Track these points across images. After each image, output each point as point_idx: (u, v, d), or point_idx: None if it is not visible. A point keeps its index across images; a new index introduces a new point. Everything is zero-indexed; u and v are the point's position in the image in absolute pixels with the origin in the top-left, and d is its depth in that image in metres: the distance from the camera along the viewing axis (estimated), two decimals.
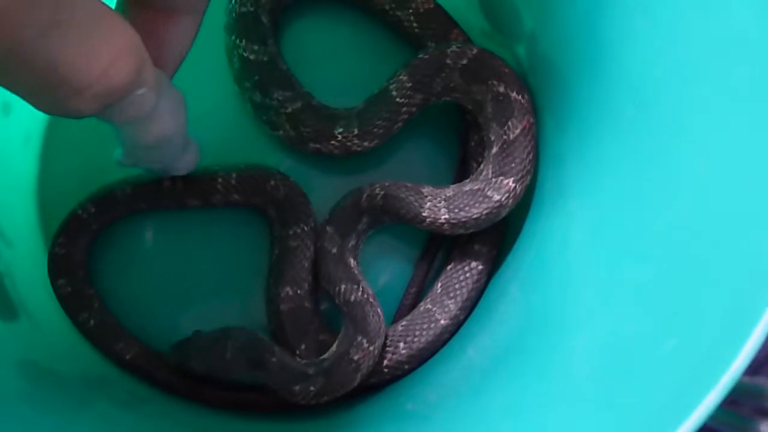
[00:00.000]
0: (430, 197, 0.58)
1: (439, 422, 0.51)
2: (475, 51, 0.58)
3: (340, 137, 0.59)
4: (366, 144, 0.60)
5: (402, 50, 0.64)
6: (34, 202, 0.62)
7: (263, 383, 0.54)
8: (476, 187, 0.57)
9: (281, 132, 0.61)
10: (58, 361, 0.54)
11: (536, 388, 0.46)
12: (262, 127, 0.62)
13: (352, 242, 0.59)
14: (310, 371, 0.54)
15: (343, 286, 0.56)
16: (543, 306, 0.50)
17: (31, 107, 0.34)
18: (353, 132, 0.59)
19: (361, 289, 0.56)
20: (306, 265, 0.59)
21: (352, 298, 0.56)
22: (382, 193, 0.58)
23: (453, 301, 0.59)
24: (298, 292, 0.58)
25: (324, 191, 0.62)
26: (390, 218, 0.59)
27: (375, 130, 0.59)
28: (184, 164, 0.52)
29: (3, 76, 0.31)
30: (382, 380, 0.58)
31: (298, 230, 0.59)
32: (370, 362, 0.55)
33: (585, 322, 0.45)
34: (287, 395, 0.54)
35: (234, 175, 0.60)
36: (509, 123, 0.57)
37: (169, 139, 0.45)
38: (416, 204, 0.58)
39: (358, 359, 0.54)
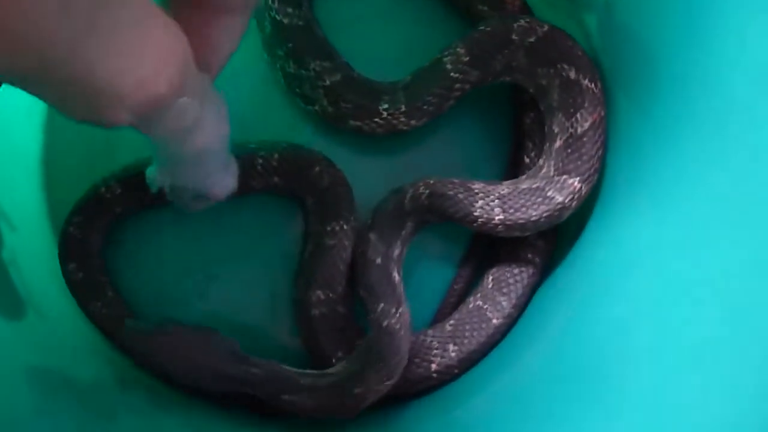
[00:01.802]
0: (482, 194, 0.50)
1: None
2: (545, 28, 0.50)
3: (385, 114, 0.51)
4: (413, 122, 0.52)
5: (447, 16, 0.56)
6: (39, 180, 0.54)
7: (246, 388, 0.47)
8: (535, 185, 0.50)
9: (317, 107, 0.53)
10: (72, 365, 0.47)
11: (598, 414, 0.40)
12: (294, 99, 0.55)
13: (396, 251, 0.51)
14: (303, 381, 0.47)
15: (381, 305, 0.48)
16: (615, 322, 0.44)
17: None
18: (400, 108, 0.51)
19: (398, 314, 0.48)
20: (342, 268, 0.51)
21: (386, 323, 0.48)
22: (428, 191, 0.50)
23: (506, 298, 0.52)
24: (331, 295, 0.50)
25: (359, 174, 0.54)
26: (436, 218, 0.52)
27: (425, 107, 0.52)
28: (224, 186, 0.45)
29: (33, 85, 0.27)
30: (430, 386, 0.51)
31: (338, 227, 0.51)
32: (373, 398, 0.48)
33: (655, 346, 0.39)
34: (273, 402, 0.47)
35: (276, 155, 0.52)
36: (578, 115, 0.49)
37: (213, 153, 0.39)
38: (467, 202, 0.50)
39: (360, 393, 0.47)
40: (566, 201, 0.49)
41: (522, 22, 0.51)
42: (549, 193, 0.49)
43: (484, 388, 0.50)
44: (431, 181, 0.51)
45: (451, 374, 0.51)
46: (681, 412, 0.36)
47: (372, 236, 0.50)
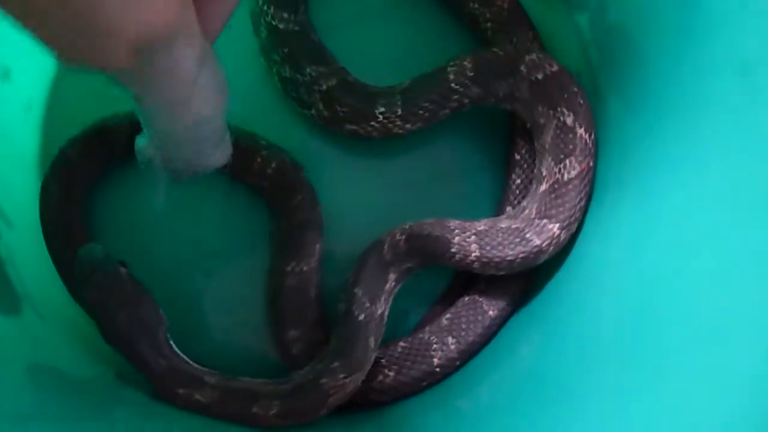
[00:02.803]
0: (458, 231, 0.50)
1: (491, 423, 0.45)
2: (555, 68, 0.50)
3: (381, 117, 0.51)
4: (408, 126, 0.52)
5: (442, 17, 0.57)
6: (37, 178, 0.53)
7: (143, 369, 0.46)
8: (515, 226, 0.49)
9: (313, 111, 0.53)
10: (69, 362, 0.46)
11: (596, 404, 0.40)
12: (289, 103, 0.54)
13: (380, 309, 0.49)
14: (208, 379, 0.46)
15: (342, 362, 0.47)
16: (616, 313, 0.43)
17: (32, 72, 0.29)
18: (396, 112, 0.51)
19: (350, 379, 0.47)
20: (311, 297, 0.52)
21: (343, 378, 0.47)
22: (404, 236, 0.50)
23: (502, 291, 0.52)
24: (305, 269, 0.51)
25: (354, 177, 0.55)
26: (417, 261, 0.51)
27: (420, 111, 0.51)
28: (214, 161, 0.44)
29: (37, 20, 0.26)
30: (435, 381, 0.51)
31: (300, 266, 0.52)
32: (340, 396, 0.47)
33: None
34: (163, 394, 0.46)
35: (274, 164, 0.53)
36: (567, 161, 0.49)
37: (208, 123, 0.38)
38: (444, 239, 0.49)
39: (325, 389, 0.46)
40: (543, 245, 0.48)
41: (534, 56, 0.50)
42: (527, 235, 0.49)
43: (485, 378, 0.50)
44: (407, 226, 0.51)
45: (453, 366, 0.51)
46: (675, 399, 0.36)
47: (357, 291, 0.49)
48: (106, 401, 0.44)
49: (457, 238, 0.49)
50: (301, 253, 0.51)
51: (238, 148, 0.48)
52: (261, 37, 0.54)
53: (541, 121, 0.50)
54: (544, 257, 0.49)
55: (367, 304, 0.48)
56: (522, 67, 0.50)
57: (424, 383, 0.50)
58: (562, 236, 0.48)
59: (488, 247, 0.49)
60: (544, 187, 0.49)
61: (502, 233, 0.49)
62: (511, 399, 0.46)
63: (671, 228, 0.42)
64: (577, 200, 0.48)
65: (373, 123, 0.52)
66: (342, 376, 0.46)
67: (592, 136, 0.49)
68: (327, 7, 0.57)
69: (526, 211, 0.50)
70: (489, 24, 0.55)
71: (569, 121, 0.49)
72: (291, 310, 0.50)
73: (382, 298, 0.49)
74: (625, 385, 0.39)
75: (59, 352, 0.46)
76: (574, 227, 0.49)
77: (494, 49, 0.51)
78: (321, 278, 0.53)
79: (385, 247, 0.50)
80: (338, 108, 0.52)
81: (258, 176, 0.52)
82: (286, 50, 0.52)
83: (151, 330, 0.46)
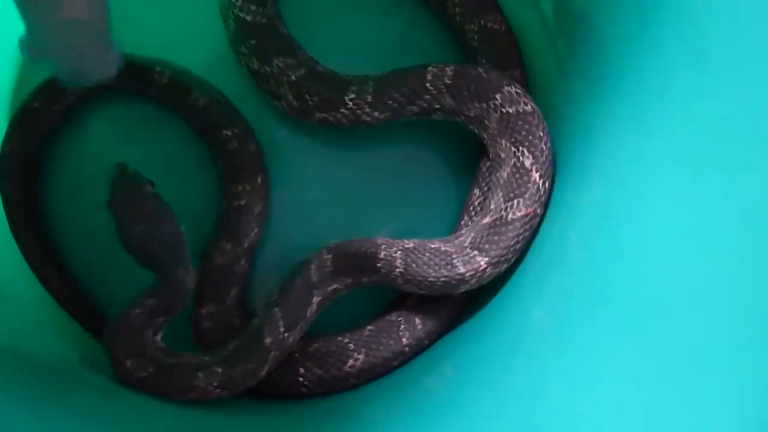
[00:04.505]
0: (385, 245, 0.49)
1: (456, 398, 0.47)
2: (528, 107, 0.49)
3: (350, 104, 0.50)
4: (377, 114, 0.51)
5: (415, 6, 0.56)
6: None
7: (149, 265, 0.47)
8: (444, 248, 0.48)
9: (283, 102, 0.52)
10: (33, 344, 0.47)
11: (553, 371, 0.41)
12: (260, 94, 0.54)
13: (292, 338, 0.48)
14: (156, 353, 0.47)
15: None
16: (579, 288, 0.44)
17: None
18: (366, 99, 0.50)
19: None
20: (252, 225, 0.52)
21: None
22: (331, 255, 0.49)
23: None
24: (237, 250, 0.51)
25: (328, 167, 0.55)
26: (345, 282, 0.50)
27: (390, 102, 0.50)
28: (101, 69, 0.41)
29: None
30: (405, 360, 0.51)
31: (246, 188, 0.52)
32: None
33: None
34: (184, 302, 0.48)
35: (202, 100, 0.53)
36: (515, 201, 0.48)
37: (82, 27, 0.37)
38: (370, 253, 0.48)
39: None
40: (467, 275, 0.47)
41: (513, 89, 0.49)
42: (454, 261, 0.48)
43: (451, 356, 0.50)
44: (333, 245, 0.50)
45: (422, 345, 0.51)
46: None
47: (277, 312, 0.48)
48: (69, 384, 0.45)
49: (383, 253, 0.48)
50: (237, 234, 0.51)
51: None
52: (229, 30, 0.53)
53: (502, 155, 0.49)
54: (464, 287, 0.48)
55: (281, 330, 0.47)
56: (497, 96, 0.49)
57: (395, 363, 0.51)
58: (488, 272, 0.48)
59: (414, 265, 0.48)
60: (486, 220, 0.49)
61: (430, 253, 0.48)
62: (476, 374, 0.48)
63: (632, 209, 0.42)
64: (513, 242, 0.47)
65: (342, 110, 0.51)
66: (216, 388, 0.46)
67: (546, 184, 0.48)
68: (296, 5, 0.56)
69: (461, 238, 0.49)
70: (457, 9, 0.54)
71: (527, 163, 0.48)
72: (212, 287, 0.51)
73: (299, 326, 0.48)
74: (594, 347, 0.40)
75: (23, 334, 0.47)
76: (502, 267, 0.48)
77: (480, 68, 0.50)
78: (253, 262, 0.53)
79: (312, 268, 0.49)
80: (308, 97, 0.51)
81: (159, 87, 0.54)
82: (253, 42, 0.52)
83: (172, 243, 0.47)
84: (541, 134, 0.49)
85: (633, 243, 0.41)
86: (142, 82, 0.54)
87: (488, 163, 0.53)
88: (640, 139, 0.42)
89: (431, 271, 0.48)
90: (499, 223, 0.48)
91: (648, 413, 0.35)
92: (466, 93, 0.49)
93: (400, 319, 0.51)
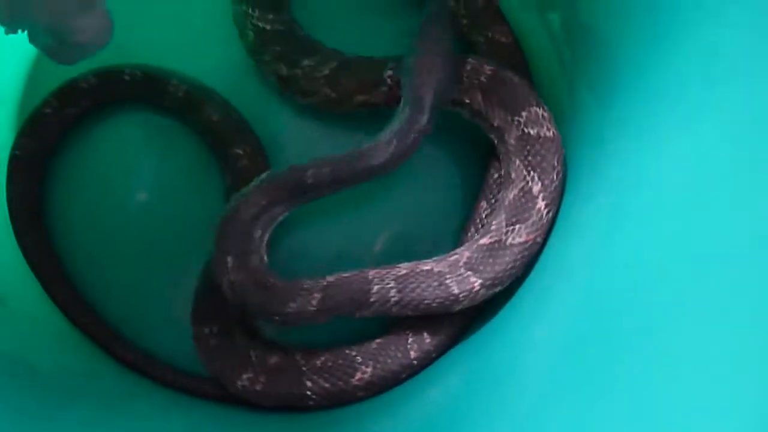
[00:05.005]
0: (377, 279, 0.47)
1: (463, 411, 0.46)
2: (550, 133, 0.48)
3: (389, 81, 0.50)
4: None
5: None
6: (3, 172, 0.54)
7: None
8: (437, 270, 0.47)
9: (316, 98, 0.53)
10: (36, 353, 0.47)
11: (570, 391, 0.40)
12: (273, 106, 0.55)
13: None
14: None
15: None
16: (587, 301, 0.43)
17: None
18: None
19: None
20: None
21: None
22: (320, 296, 0.47)
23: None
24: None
25: None
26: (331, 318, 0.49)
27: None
28: (84, 29, 0.38)
29: None
30: (413, 373, 0.51)
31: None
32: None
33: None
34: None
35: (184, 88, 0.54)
36: (517, 227, 0.47)
37: None
38: (362, 289, 0.47)
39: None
40: (460, 296, 0.47)
41: (540, 110, 0.49)
42: (447, 282, 0.47)
43: (458, 369, 0.49)
44: (325, 283, 0.48)
45: (430, 358, 0.51)
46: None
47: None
48: (70, 392, 0.44)
49: (376, 287, 0.47)
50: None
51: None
52: (248, 40, 0.54)
53: (513, 175, 0.49)
54: (458, 307, 0.47)
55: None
56: (523, 113, 0.48)
57: (404, 375, 0.50)
58: (481, 293, 0.47)
59: (407, 290, 0.47)
60: (485, 240, 0.48)
61: (423, 276, 0.47)
62: (483, 387, 0.47)
63: (641, 220, 0.41)
64: (509, 266, 0.47)
65: (382, 88, 0.51)
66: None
67: (550, 213, 0.48)
68: (309, 6, 0.57)
69: (456, 257, 0.48)
70: (465, 20, 0.54)
71: (536, 189, 0.47)
72: (216, 303, 0.50)
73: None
74: (598, 364, 0.39)
75: (23, 340, 0.47)
76: (496, 289, 0.47)
77: (516, 78, 0.50)
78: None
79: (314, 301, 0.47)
80: (345, 84, 0.52)
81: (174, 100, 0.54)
82: (277, 49, 0.52)
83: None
84: (555, 163, 0.48)
85: (638, 258, 0.40)
86: (157, 94, 0.54)
87: (496, 175, 0.52)
88: (647, 153, 0.42)
89: (425, 294, 0.47)
90: (498, 245, 0.47)
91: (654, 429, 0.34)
92: (496, 98, 0.49)
93: (408, 332, 0.51)
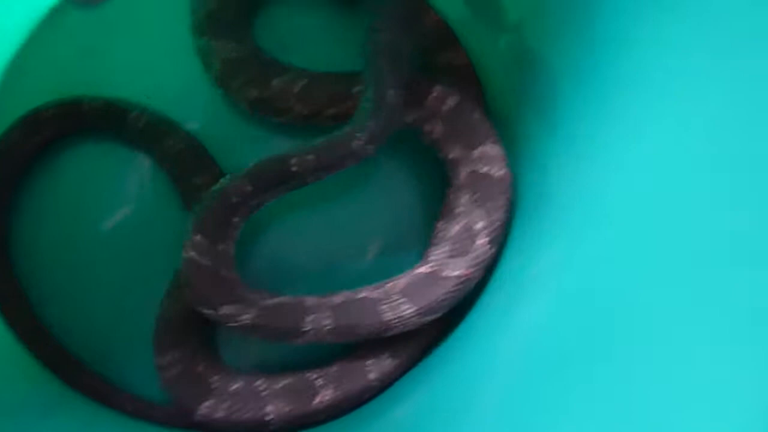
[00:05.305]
0: (313, 308, 0.48)
1: (426, 428, 0.47)
2: (501, 172, 0.49)
3: (356, 94, 0.51)
4: None
5: None
6: None
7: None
8: (372, 296, 0.48)
9: (290, 115, 0.53)
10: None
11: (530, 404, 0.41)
12: (237, 122, 0.55)
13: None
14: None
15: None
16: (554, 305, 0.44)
17: None
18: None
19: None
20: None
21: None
22: (255, 313, 0.47)
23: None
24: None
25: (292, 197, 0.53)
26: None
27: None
28: None
29: None
30: (373, 395, 0.51)
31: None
32: None
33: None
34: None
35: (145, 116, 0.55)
36: (455, 260, 0.48)
37: None
38: (295, 320, 0.47)
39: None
40: (393, 322, 0.47)
41: (495, 149, 0.50)
42: (381, 308, 0.47)
43: (421, 387, 0.50)
44: (256, 311, 0.47)
45: (391, 379, 0.51)
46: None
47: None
48: (30, 425, 0.45)
49: (311, 316, 0.47)
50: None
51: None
52: (214, 70, 0.55)
53: (459, 209, 0.50)
54: (390, 333, 0.48)
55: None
56: (478, 150, 0.49)
57: (365, 396, 0.51)
58: (413, 320, 0.47)
59: (342, 319, 0.47)
60: (423, 269, 0.49)
61: (358, 303, 0.48)
62: (448, 403, 0.48)
63: (589, 242, 0.42)
64: (442, 297, 0.47)
65: (349, 102, 0.52)
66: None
67: (492, 251, 0.48)
68: (269, 33, 0.58)
69: (393, 283, 0.49)
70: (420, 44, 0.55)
71: (478, 226, 0.48)
72: (174, 334, 0.51)
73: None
74: (560, 377, 0.40)
75: None
76: (428, 318, 0.48)
77: (476, 114, 0.51)
78: None
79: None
80: (316, 99, 0.53)
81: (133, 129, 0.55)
82: (246, 75, 0.53)
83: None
84: (502, 203, 0.49)
85: (592, 278, 0.41)
86: (117, 124, 0.55)
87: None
88: (589, 176, 0.43)
89: (358, 321, 0.47)
90: (434, 276, 0.48)
91: None
92: (455, 131, 0.50)
93: (368, 353, 0.51)
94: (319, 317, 0.47)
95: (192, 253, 0.47)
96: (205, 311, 0.47)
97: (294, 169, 0.48)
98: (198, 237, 0.48)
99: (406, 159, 0.56)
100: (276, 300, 0.48)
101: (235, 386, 0.50)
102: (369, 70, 0.49)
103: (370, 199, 0.56)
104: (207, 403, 0.49)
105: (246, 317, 0.47)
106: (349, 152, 0.48)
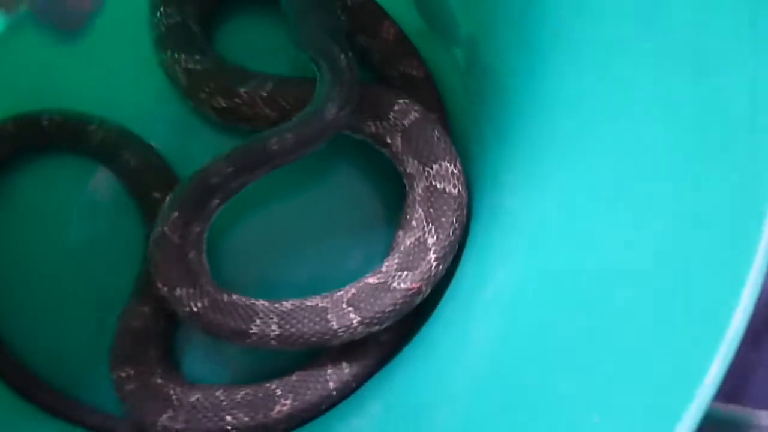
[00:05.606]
0: (262, 312, 0.48)
1: None
2: (454, 191, 0.50)
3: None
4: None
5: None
6: None
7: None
8: (321, 305, 0.49)
9: (257, 121, 0.54)
10: None
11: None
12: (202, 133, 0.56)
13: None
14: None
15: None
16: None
17: None
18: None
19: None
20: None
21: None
22: (206, 304, 0.48)
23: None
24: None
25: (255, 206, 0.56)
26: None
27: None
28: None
29: None
30: (332, 404, 0.51)
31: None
32: None
33: None
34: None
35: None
36: (405, 273, 0.48)
37: None
38: (242, 323, 0.48)
39: None
40: (339, 331, 0.48)
41: (451, 166, 0.50)
42: (328, 317, 0.48)
43: (379, 396, 0.50)
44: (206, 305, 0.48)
45: (350, 388, 0.52)
46: None
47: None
48: None
49: (258, 320, 0.48)
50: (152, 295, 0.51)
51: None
52: (180, 83, 0.55)
53: (413, 223, 0.50)
54: (336, 342, 0.49)
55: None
56: (434, 166, 0.50)
57: (323, 406, 0.51)
58: (359, 330, 0.48)
59: (288, 326, 0.48)
60: (372, 280, 0.49)
61: (306, 311, 0.48)
62: (403, 410, 0.48)
63: (544, 248, 0.43)
64: (389, 309, 0.48)
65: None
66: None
67: (440, 267, 0.49)
68: (230, 45, 0.58)
69: (342, 293, 0.49)
70: (378, 56, 0.56)
71: (429, 242, 0.48)
72: (130, 348, 0.51)
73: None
74: (517, 383, 0.40)
75: None
76: (374, 328, 0.48)
77: (437, 131, 0.51)
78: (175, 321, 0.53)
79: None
80: (284, 104, 0.53)
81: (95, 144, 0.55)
82: (212, 85, 0.54)
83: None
84: (454, 220, 0.49)
85: (542, 296, 0.42)
86: (76, 139, 0.55)
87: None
88: (530, 187, 0.43)
89: (305, 329, 0.48)
90: (383, 287, 0.48)
91: None
92: (414, 146, 0.50)
93: (327, 363, 0.52)
94: (267, 322, 0.48)
95: (164, 228, 0.48)
96: (160, 288, 0.48)
97: (274, 148, 0.49)
98: (174, 214, 0.48)
99: (373, 167, 0.56)
100: (229, 298, 0.49)
101: (194, 398, 0.50)
102: (313, 47, 0.49)
103: (339, 207, 0.57)
104: (166, 415, 0.49)
105: (196, 306, 0.47)
106: (325, 124, 0.48)
